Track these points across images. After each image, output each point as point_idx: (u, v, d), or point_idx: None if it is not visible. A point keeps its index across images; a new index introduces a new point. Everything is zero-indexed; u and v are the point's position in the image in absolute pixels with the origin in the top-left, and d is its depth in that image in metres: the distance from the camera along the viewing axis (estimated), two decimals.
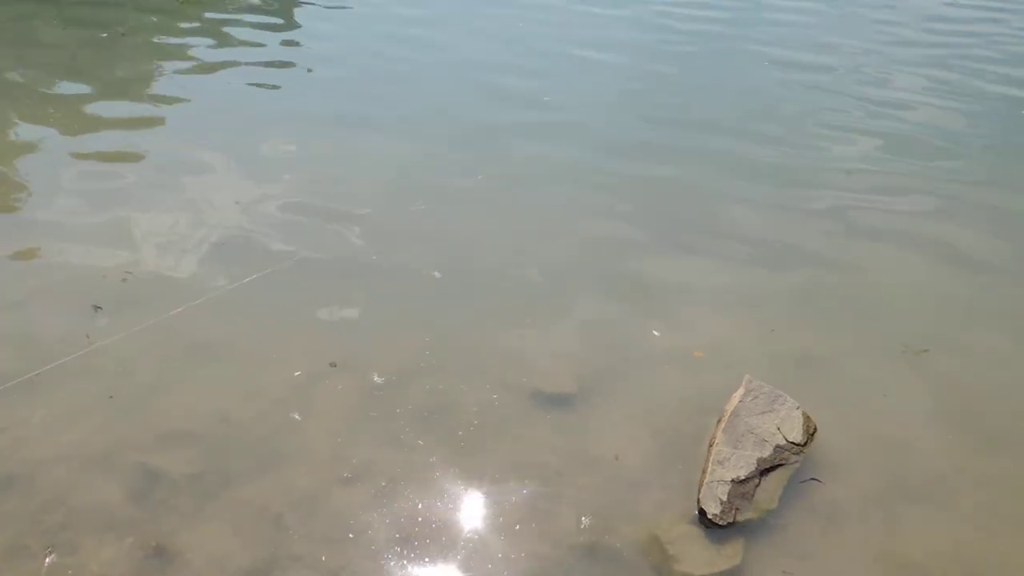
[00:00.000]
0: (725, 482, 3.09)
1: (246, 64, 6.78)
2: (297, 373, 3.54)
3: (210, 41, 7.19)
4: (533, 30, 7.68)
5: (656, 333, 3.90)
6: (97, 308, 3.86)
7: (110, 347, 3.61)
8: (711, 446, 3.26)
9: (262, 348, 3.69)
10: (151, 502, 2.91)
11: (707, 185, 5.22)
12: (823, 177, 5.35)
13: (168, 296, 3.93)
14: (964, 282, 4.39)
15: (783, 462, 3.23)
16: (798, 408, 3.39)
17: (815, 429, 3.38)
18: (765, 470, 3.19)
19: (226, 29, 7.49)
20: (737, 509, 3.05)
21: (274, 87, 6.39)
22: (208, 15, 7.92)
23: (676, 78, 6.85)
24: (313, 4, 8.52)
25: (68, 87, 6.17)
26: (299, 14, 8.22)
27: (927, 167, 5.48)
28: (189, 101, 6.01)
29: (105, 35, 7.14)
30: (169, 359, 3.59)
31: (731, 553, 2.92)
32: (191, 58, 6.81)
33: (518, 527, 2.96)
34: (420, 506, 3.01)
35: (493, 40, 7.52)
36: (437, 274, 4.19)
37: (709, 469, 3.14)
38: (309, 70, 6.74)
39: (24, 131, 5.48)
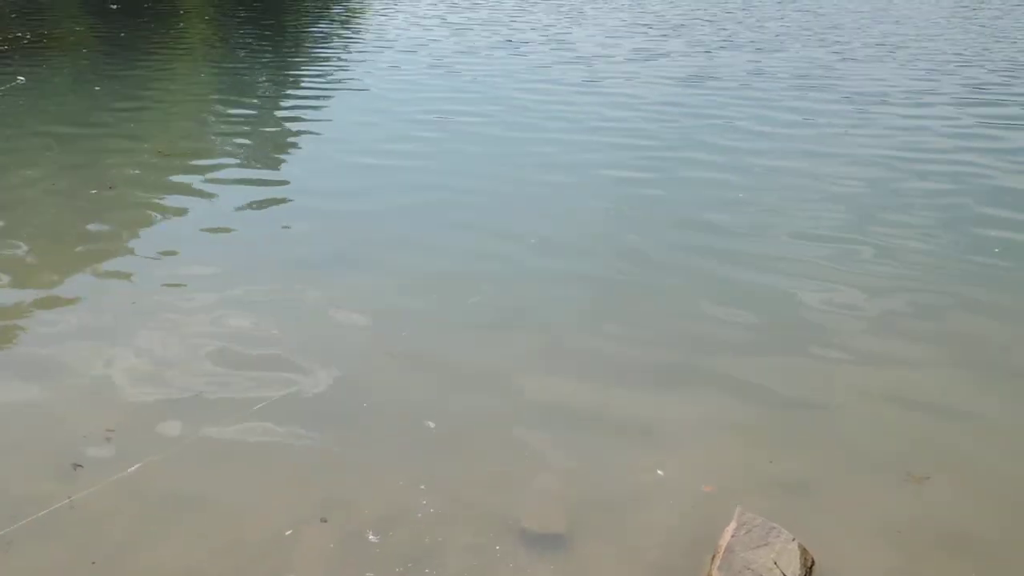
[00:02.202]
0: None
1: (224, 214, 6.93)
2: (279, 526, 3.43)
3: (190, 195, 7.36)
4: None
5: (660, 472, 3.80)
6: (77, 467, 3.75)
7: (81, 503, 3.49)
8: None
9: (242, 500, 3.60)
10: None
11: (688, 314, 5.24)
12: (803, 305, 5.38)
13: (145, 449, 3.86)
14: (958, 406, 4.34)
15: None
16: (794, 540, 3.28)
17: (813, 562, 3.26)
18: None
19: (206, 183, 7.69)
20: None
21: (251, 238, 6.48)
22: (189, 167, 8.18)
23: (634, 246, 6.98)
24: (297, 149, 8.86)
25: (53, 242, 6.26)
26: (281, 162, 8.51)
27: (905, 299, 5.47)
28: (168, 252, 6.08)
29: (94, 191, 7.32)
30: (144, 515, 3.48)
31: None
32: (171, 212, 6.95)
33: None
34: None
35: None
36: (431, 424, 4.11)
37: None
38: (285, 227, 6.84)
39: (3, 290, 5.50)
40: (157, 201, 7.17)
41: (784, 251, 6.22)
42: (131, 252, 6.12)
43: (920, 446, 4.01)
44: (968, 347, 4.90)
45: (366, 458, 3.88)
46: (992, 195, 7.44)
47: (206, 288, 5.47)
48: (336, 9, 20.79)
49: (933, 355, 4.81)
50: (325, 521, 3.45)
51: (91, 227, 6.57)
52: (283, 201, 7.37)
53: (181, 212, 6.91)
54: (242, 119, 10.19)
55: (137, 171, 7.96)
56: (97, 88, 11.43)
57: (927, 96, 11.33)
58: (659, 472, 3.81)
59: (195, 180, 7.75)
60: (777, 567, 3.18)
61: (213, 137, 9.57)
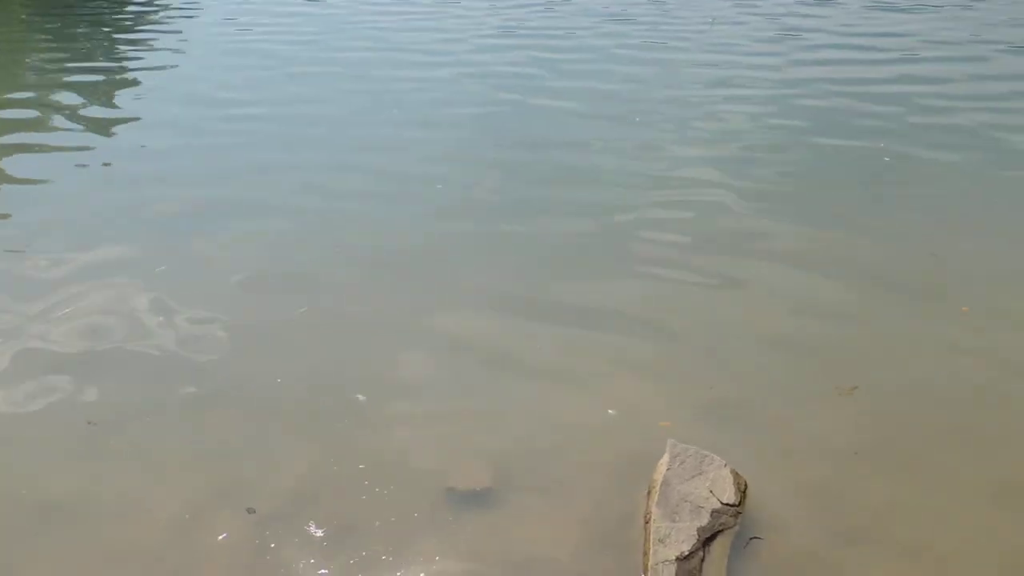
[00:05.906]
0: (670, 562, 2.89)
1: (70, 157, 6.30)
2: (177, 517, 3.09)
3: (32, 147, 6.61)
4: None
5: (611, 412, 3.67)
6: None
7: None
8: (647, 523, 3.07)
9: (133, 493, 3.22)
10: None
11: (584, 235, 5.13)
12: (718, 218, 5.35)
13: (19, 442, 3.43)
14: (880, 314, 4.36)
15: (723, 527, 3.07)
16: (726, 466, 3.25)
17: (746, 485, 3.26)
18: (707, 539, 3.02)
19: (41, 132, 6.93)
20: None
21: (107, 185, 5.93)
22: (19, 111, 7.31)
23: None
24: (142, 85, 8.05)
25: None
26: (128, 98, 7.71)
27: (811, 215, 5.45)
28: (16, 209, 5.40)
29: None
30: (15, 526, 3.06)
31: None
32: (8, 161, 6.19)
33: None
34: None
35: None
36: (360, 397, 3.77)
37: (652, 551, 2.94)
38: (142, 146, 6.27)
39: None
40: None
41: (699, 161, 6.23)
42: None
43: (846, 358, 4.01)
44: (882, 257, 4.90)
45: (274, 434, 3.56)
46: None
47: (61, 243, 4.97)
48: None
49: (848, 269, 4.76)
50: (252, 512, 3.13)
51: None
52: (131, 135, 6.79)
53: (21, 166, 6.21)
54: (72, 62, 9.17)
55: None
56: None
57: None
58: (610, 412, 3.68)
59: (31, 127, 6.96)
60: (713, 495, 3.15)
61: (44, 80, 8.59)
